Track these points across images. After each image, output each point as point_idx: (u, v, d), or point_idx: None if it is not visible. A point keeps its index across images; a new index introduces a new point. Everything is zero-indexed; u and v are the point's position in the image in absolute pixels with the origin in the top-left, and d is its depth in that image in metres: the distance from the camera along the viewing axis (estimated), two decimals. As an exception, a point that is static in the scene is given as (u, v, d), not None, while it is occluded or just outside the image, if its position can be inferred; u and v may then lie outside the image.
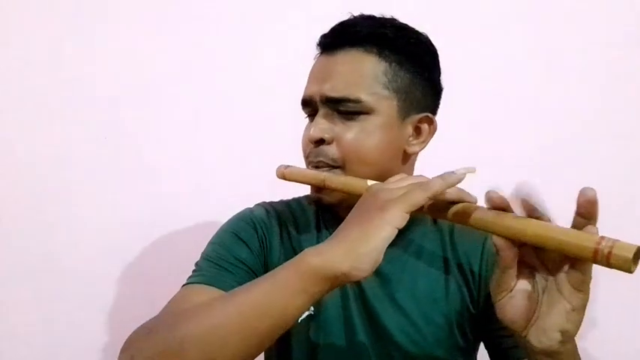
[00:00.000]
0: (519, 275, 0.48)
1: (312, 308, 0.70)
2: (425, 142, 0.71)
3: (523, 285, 0.48)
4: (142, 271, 1.08)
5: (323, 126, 0.67)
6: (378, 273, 0.69)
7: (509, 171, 1.02)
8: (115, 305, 1.08)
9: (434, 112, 0.72)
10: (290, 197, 0.82)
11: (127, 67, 1.08)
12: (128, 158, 1.09)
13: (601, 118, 1.10)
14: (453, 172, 0.50)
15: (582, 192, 0.42)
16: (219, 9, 1.10)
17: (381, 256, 0.47)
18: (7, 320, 1.05)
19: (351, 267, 0.46)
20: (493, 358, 0.72)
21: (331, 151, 0.67)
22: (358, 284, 0.70)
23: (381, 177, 0.64)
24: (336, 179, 0.64)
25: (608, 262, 0.38)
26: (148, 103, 1.09)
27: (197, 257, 0.71)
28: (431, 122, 0.71)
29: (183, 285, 0.66)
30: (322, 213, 0.76)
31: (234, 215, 0.76)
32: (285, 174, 0.69)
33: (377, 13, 0.70)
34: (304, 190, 0.74)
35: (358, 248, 0.47)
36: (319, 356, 0.70)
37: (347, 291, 0.70)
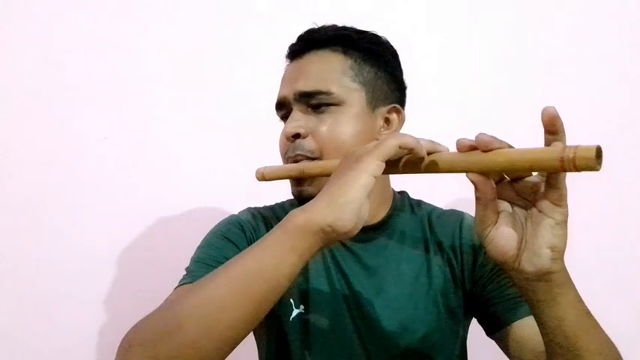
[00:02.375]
0: (500, 210, 0.50)
1: (302, 307, 0.71)
2: (396, 132, 0.74)
3: (506, 216, 0.50)
4: (138, 270, 1.09)
5: (298, 122, 0.70)
6: (364, 266, 0.72)
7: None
8: (114, 304, 1.08)
9: (401, 105, 0.76)
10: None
11: (124, 70, 1.11)
12: (125, 160, 1.10)
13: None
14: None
15: (544, 111, 0.44)
16: (204, 10, 1.14)
17: (366, 210, 0.49)
18: (7, 321, 1.06)
19: (334, 218, 0.48)
20: (488, 330, 0.72)
21: (308, 144, 0.70)
22: (347, 280, 0.72)
23: None
24: (314, 165, 0.66)
25: (574, 166, 0.40)
26: (142, 106, 1.11)
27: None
28: (399, 112, 0.75)
29: (175, 288, 0.66)
30: None
31: (221, 221, 0.77)
32: (265, 174, 0.70)
33: (339, 24, 0.76)
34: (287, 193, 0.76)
35: (339, 199, 0.48)
36: (313, 353, 0.70)
37: (335, 287, 0.72)
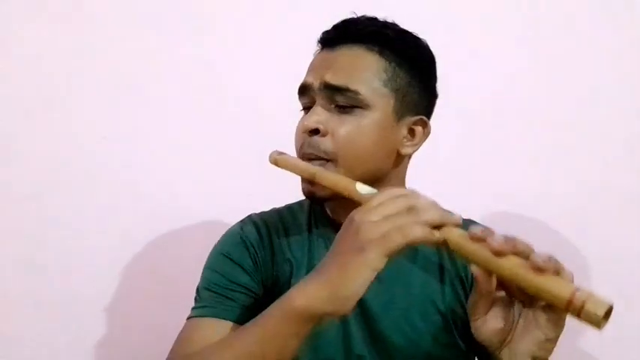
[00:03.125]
0: (496, 300, 0.50)
1: None
2: (418, 145, 0.71)
3: (499, 309, 0.50)
4: (138, 271, 1.08)
5: (319, 117, 0.66)
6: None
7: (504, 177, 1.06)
8: (115, 305, 1.07)
9: (428, 116, 0.73)
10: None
11: (124, 67, 1.10)
12: (126, 157, 1.10)
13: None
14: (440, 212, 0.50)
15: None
16: (215, 7, 1.13)
17: (363, 292, 0.49)
18: (7, 321, 1.06)
19: (334, 309, 0.49)
20: (476, 355, 0.72)
21: (325, 143, 0.66)
22: None
23: (373, 175, 0.67)
24: (325, 176, 0.63)
25: (579, 314, 0.39)
26: (145, 102, 1.11)
27: (196, 255, 0.73)
28: (425, 125, 0.71)
29: (188, 318, 0.68)
30: (313, 213, 0.76)
31: (224, 234, 0.76)
32: (278, 160, 0.68)
33: (380, 17, 0.71)
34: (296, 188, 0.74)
35: (340, 291, 0.48)
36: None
37: None
